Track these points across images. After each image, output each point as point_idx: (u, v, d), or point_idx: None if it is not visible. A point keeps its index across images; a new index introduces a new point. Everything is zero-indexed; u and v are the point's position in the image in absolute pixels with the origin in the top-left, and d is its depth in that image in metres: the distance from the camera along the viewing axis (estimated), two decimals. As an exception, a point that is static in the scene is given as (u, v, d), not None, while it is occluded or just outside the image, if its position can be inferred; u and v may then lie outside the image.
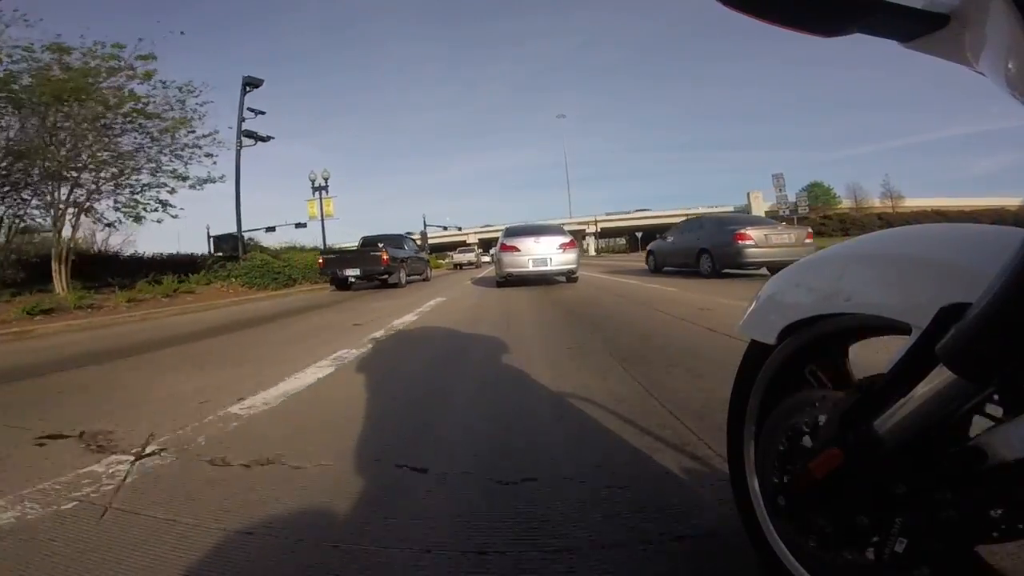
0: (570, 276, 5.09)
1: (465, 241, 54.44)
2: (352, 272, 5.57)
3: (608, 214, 51.62)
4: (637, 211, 53.13)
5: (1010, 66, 0.31)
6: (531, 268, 4.92)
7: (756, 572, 0.59)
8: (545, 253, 5.01)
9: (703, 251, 5.58)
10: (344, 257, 5.82)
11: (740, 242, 5.00)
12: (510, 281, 5.05)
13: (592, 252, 58.49)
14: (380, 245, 5.75)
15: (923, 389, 0.36)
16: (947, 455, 0.38)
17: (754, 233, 5.06)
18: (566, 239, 5.14)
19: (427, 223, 26.89)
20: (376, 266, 5.58)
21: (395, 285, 5.74)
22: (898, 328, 0.41)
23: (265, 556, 0.62)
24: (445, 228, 28.51)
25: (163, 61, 6.60)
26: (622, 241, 61.03)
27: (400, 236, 7.22)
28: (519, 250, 5.04)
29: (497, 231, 38.56)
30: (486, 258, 16.30)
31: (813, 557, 0.50)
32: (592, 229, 50.29)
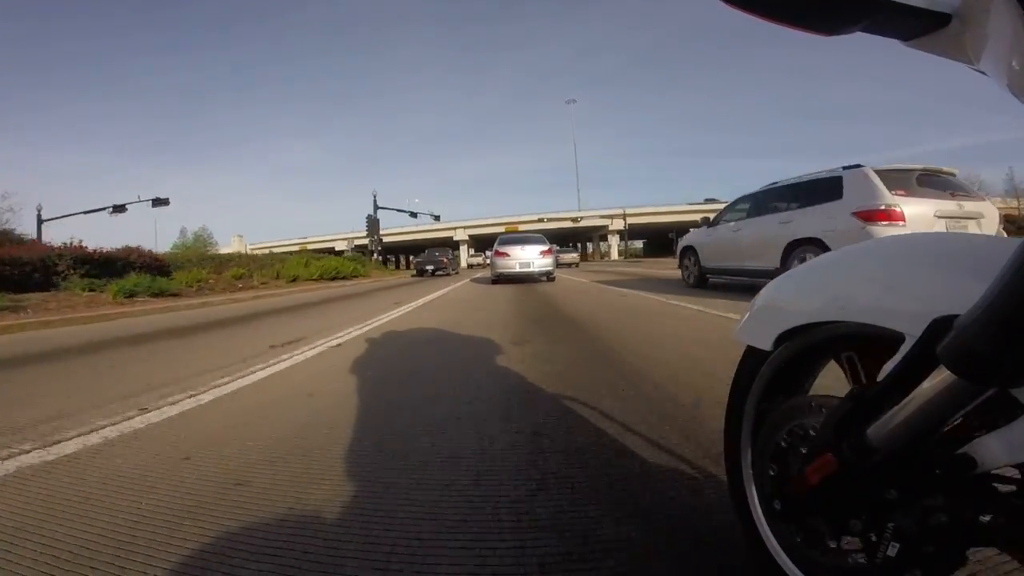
0: (548, 277, 7.90)
1: (452, 238, 50.50)
2: (430, 267, 13.66)
3: (641, 208, 48.58)
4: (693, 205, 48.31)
5: (1013, 65, 0.36)
6: (518, 270, 7.92)
7: (753, 574, 0.70)
8: (529, 258, 7.95)
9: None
10: (427, 259, 14.32)
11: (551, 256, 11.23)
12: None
13: (614, 255, 53.14)
14: (436, 253, 14.53)
15: (917, 396, 0.45)
16: (938, 462, 0.47)
17: (562, 255, 17.37)
18: (545, 247, 8.21)
19: (400, 211, 27.32)
20: (442, 265, 13.80)
21: (447, 275, 13.16)
22: (892, 337, 0.50)
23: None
24: (413, 215, 26.09)
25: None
26: (638, 244, 59.56)
27: (447, 248, 16.83)
28: (509, 255, 8.11)
29: (493, 224, 36.89)
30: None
31: (809, 560, 0.61)
32: (616, 225, 47.87)
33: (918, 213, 3.57)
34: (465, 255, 53.09)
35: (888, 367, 0.49)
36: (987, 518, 0.45)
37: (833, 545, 0.54)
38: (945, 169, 3.99)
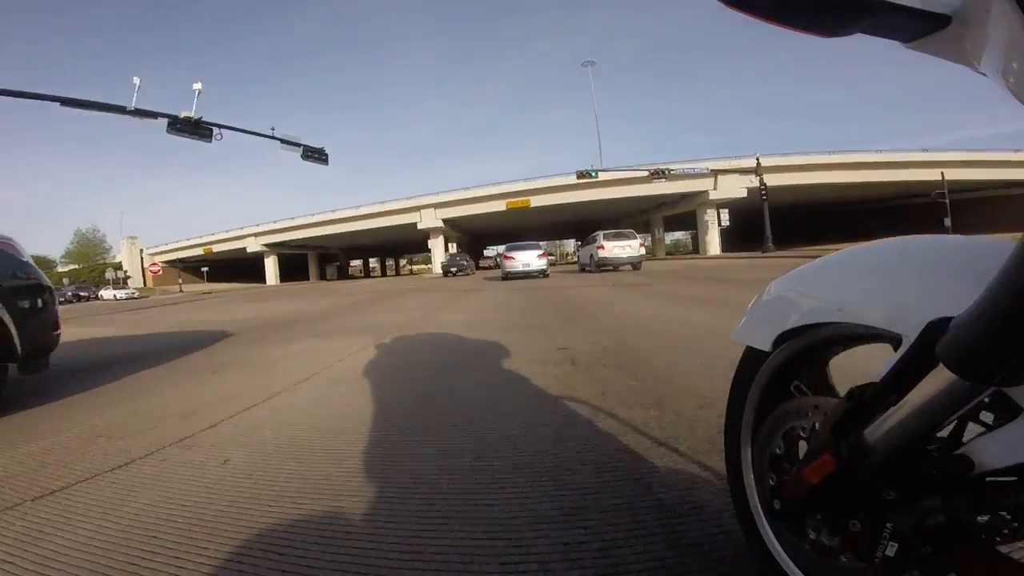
0: (543, 274, 18.32)
1: (415, 225, 39.88)
2: (454, 269, 28.27)
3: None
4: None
5: (1013, 65, 0.42)
6: (520, 268, 17.85)
7: (754, 574, 0.91)
8: (529, 260, 17.80)
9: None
10: (451, 263, 29.00)
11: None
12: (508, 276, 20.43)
13: (713, 246, 35.91)
14: (458, 258, 31.11)
15: (914, 398, 0.54)
16: (935, 463, 0.56)
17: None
18: (541, 251, 18.35)
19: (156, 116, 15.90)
20: (462, 267, 28.60)
21: (467, 274, 28.35)
22: (889, 338, 0.63)
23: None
24: (200, 130, 16.17)
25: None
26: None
27: (464, 254, 35.27)
28: (514, 259, 17.94)
29: (482, 199, 35.82)
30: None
31: (809, 560, 0.71)
32: (725, 190, 33.33)
33: (609, 244, 19.27)
34: (441, 254, 33.95)
35: (885, 368, 0.59)
36: (984, 519, 0.54)
37: (832, 545, 0.64)
38: (625, 231, 20.00)
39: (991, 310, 0.45)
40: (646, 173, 30.33)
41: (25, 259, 3.27)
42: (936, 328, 0.52)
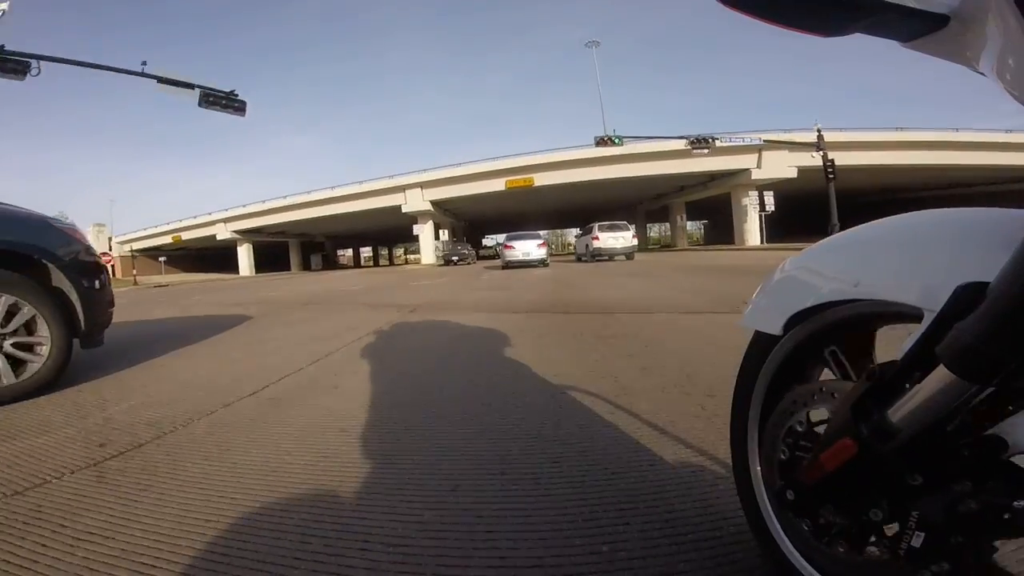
0: (542, 263, 21.79)
1: (399, 208, 34.79)
2: (454, 257, 31.52)
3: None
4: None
5: (1010, 63, 0.42)
6: (520, 258, 20.74)
7: (761, 571, 0.86)
8: (529, 250, 20.49)
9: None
10: (452, 252, 31.78)
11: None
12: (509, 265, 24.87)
13: (753, 236, 31.54)
14: (459, 247, 34.30)
15: (939, 375, 0.50)
16: (966, 444, 0.52)
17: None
18: (541, 241, 21.03)
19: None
20: (463, 256, 32.18)
21: (468, 264, 32.49)
22: (909, 315, 0.59)
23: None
24: (208, 97, 14.53)
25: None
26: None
27: (465, 242, 39.39)
28: (514, 248, 20.71)
29: (477, 177, 32.17)
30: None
31: (822, 554, 0.67)
32: (770, 168, 27.96)
33: (604, 235, 21.71)
34: (430, 242, 28.92)
35: (907, 344, 0.55)
36: (1021, 504, 0.48)
37: (851, 536, 0.61)
38: (619, 223, 22.58)
39: (992, 309, 0.44)
40: (682, 144, 24.40)
41: (87, 243, 3.61)
42: (966, 293, 0.48)
